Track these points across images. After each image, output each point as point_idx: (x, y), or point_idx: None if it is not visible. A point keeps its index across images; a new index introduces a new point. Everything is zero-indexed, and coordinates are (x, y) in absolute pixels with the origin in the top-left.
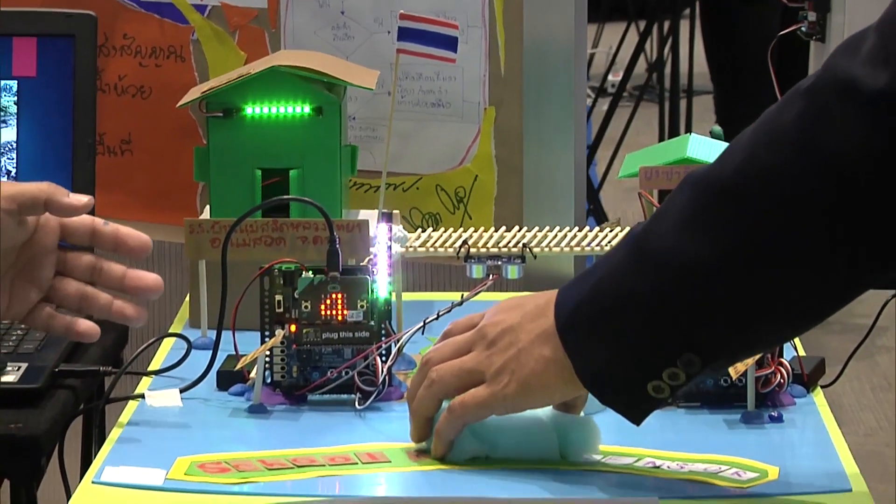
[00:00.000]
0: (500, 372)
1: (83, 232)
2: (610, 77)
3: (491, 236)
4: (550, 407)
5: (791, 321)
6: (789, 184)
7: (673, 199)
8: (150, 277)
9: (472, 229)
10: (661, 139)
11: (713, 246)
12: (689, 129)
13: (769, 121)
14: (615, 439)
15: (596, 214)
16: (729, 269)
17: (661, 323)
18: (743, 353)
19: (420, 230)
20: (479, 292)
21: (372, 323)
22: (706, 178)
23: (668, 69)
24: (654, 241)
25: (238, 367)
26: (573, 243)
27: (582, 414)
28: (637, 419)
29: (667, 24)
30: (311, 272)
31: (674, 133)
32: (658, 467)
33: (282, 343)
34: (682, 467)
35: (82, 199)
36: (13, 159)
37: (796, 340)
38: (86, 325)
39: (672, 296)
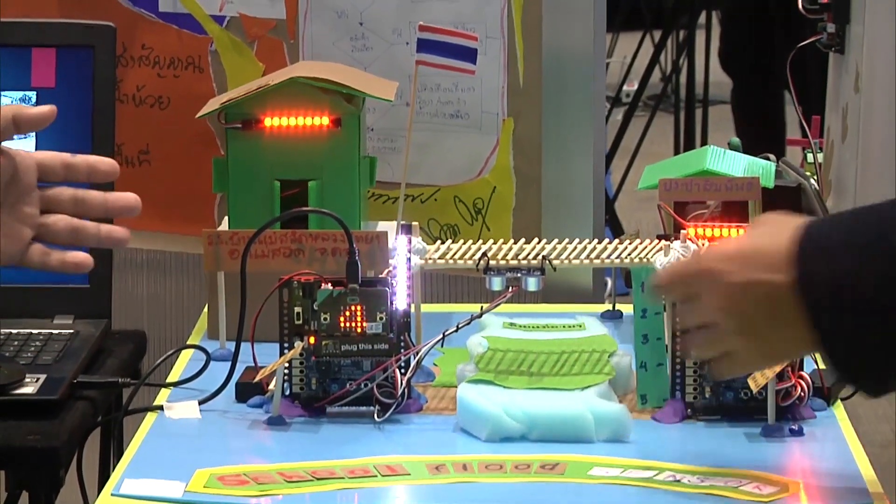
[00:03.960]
0: (750, 334)
1: (57, 166)
2: (624, 87)
3: (510, 248)
4: (587, 392)
5: None
6: None
7: None
8: (130, 196)
9: (491, 241)
10: (677, 149)
11: None
12: (704, 139)
13: None
14: (635, 453)
15: (611, 224)
16: None
17: None
18: None
19: (439, 242)
20: (499, 304)
21: (391, 335)
22: None
23: (683, 79)
24: None
25: (257, 378)
26: (593, 255)
27: (618, 403)
28: (878, 396)
29: (682, 34)
30: (330, 284)
31: (689, 143)
32: (678, 481)
33: (301, 355)
34: (702, 481)
35: (45, 107)
36: None
37: (816, 354)
38: (81, 256)
39: None
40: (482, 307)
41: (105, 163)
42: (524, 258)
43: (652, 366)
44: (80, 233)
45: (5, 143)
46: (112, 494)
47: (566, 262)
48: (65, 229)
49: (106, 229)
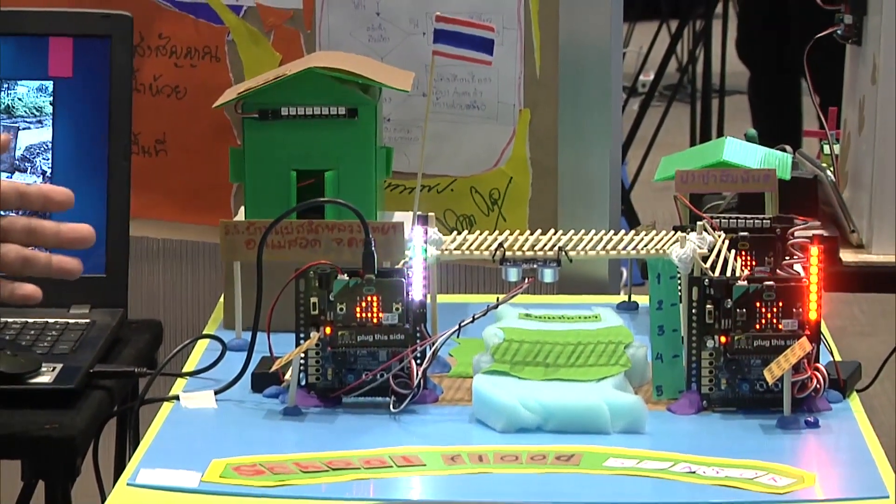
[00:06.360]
0: None
1: (11, 196)
2: (641, 77)
3: (526, 239)
4: (603, 383)
5: None
6: None
7: None
8: (84, 228)
9: (507, 232)
10: (693, 139)
11: None
12: (720, 129)
13: None
14: (651, 444)
15: (627, 215)
16: None
17: None
18: None
19: (455, 232)
20: (515, 295)
21: (407, 325)
22: None
23: (699, 68)
24: None
25: (273, 369)
26: (609, 247)
27: (633, 394)
28: None
29: (699, 24)
30: (346, 274)
31: (705, 133)
32: (693, 472)
33: (317, 345)
34: (717, 472)
35: (63, 191)
36: (48, 159)
37: (832, 345)
38: (30, 288)
39: None
40: (498, 298)
41: (59, 192)
42: (540, 249)
43: (668, 357)
44: (31, 263)
45: None
46: (128, 484)
47: (582, 253)
48: (15, 259)
49: (57, 260)
